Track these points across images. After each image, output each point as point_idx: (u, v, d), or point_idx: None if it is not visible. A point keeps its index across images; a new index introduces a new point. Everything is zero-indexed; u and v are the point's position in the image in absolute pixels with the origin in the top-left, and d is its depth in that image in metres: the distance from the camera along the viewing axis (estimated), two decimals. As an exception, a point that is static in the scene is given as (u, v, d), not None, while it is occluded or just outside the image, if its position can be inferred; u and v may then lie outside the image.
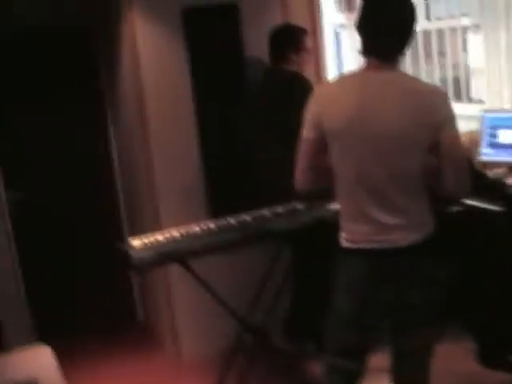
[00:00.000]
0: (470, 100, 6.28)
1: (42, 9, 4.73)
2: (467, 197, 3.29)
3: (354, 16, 5.49)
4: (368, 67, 2.64)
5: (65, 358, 3.46)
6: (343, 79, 2.85)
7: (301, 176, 2.77)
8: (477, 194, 3.88)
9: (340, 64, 6.75)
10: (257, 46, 4.46)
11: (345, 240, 2.73)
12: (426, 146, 2.57)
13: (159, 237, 3.47)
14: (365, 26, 2.64)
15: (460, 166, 2.62)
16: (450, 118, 2.59)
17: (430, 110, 2.56)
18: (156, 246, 3.38)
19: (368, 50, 2.63)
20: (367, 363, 2.87)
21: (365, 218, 2.64)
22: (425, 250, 2.65)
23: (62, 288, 5.23)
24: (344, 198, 2.73)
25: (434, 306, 2.72)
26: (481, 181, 4.15)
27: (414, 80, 2.81)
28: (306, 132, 2.72)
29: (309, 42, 4.35)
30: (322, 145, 2.69)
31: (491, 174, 4.87)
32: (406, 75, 2.84)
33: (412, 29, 2.64)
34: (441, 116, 2.57)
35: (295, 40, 4.21)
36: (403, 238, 2.62)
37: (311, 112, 2.71)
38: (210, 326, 4.46)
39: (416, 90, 2.63)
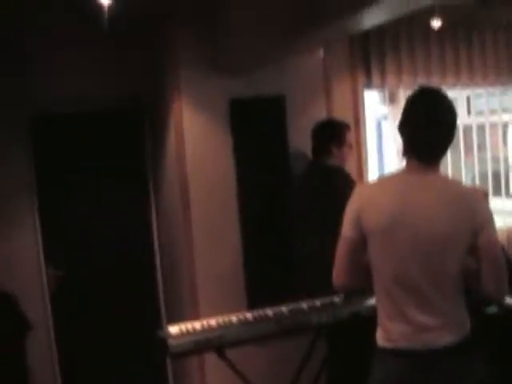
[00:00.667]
0: (509, 195, 6.29)
1: (96, 93, 4.88)
2: (506, 297, 3.26)
3: (397, 108, 5.63)
4: (409, 169, 2.68)
5: None
6: (385, 180, 2.88)
7: (339, 273, 2.76)
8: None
9: (381, 155, 6.82)
10: (300, 137, 4.56)
11: (381, 338, 2.72)
12: (465, 248, 2.59)
13: (197, 325, 3.49)
14: (407, 128, 2.67)
15: (498, 267, 2.62)
16: (489, 220, 2.62)
17: (471, 214, 2.58)
18: (193, 334, 3.40)
19: (410, 151, 2.66)
20: None
21: (402, 317, 2.63)
22: (461, 352, 2.63)
23: (98, 372, 5.20)
24: (382, 296, 2.72)
25: None
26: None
27: (455, 183, 2.83)
28: (346, 230, 2.72)
29: (350, 136, 4.42)
30: (360, 243, 2.70)
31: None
32: (446, 178, 2.89)
33: (454, 132, 2.68)
34: (480, 219, 2.59)
35: (338, 134, 4.28)
36: (440, 339, 2.61)
37: (352, 210, 2.71)
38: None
39: (457, 193, 2.66)
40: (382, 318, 2.73)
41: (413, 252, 2.58)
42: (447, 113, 2.66)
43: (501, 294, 2.70)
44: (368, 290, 2.87)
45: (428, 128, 2.62)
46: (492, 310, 3.86)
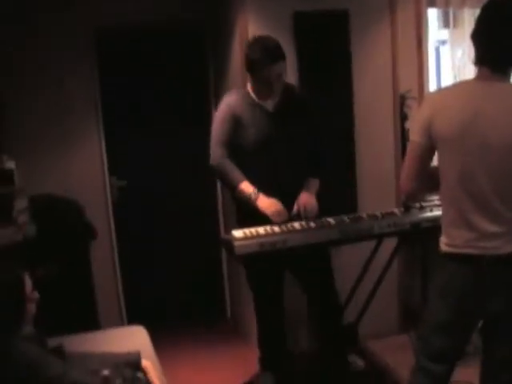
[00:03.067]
0: None
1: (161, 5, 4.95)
2: None
3: (457, 33, 5.54)
4: (481, 77, 2.68)
5: (154, 344, 3.57)
6: (457, 87, 2.85)
7: (407, 178, 2.81)
8: None
9: (439, 81, 6.71)
10: (364, 54, 4.57)
11: (444, 244, 2.77)
12: None
13: (260, 230, 3.57)
14: (481, 36, 2.67)
15: None
16: None
17: None
18: (257, 237, 3.48)
19: (482, 59, 2.67)
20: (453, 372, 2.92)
21: (466, 224, 2.68)
22: None
23: (157, 277, 5.41)
24: (447, 203, 2.76)
25: None
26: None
27: None
28: (416, 136, 2.76)
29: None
30: (429, 149, 2.74)
31: None
32: None
33: None
34: None
35: None
36: (503, 247, 2.65)
37: (422, 116, 2.74)
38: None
39: None
40: (446, 225, 2.77)
41: (481, 160, 2.61)
42: None
43: None
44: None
45: (501, 36, 2.61)
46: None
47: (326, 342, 4.29)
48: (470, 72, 7.18)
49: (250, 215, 3.74)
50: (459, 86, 2.84)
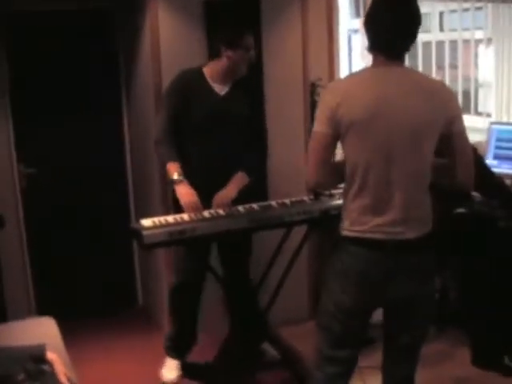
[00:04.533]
0: (477, 112, 6.37)
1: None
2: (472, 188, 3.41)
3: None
4: (377, 64, 2.72)
5: (65, 335, 3.50)
6: (357, 75, 2.87)
7: (312, 170, 2.78)
8: (483, 193, 4.02)
9: (351, 67, 6.80)
10: (275, 40, 4.57)
11: (347, 230, 2.77)
12: (436, 140, 2.69)
13: (169, 218, 3.55)
14: (374, 24, 2.72)
15: (470, 159, 2.76)
16: (460, 113, 2.76)
17: (444, 102, 2.69)
18: (166, 226, 3.46)
19: (376, 46, 2.71)
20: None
21: (372, 209, 2.70)
22: (424, 247, 2.75)
23: (67, 267, 5.30)
24: (354, 190, 2.75)
25: (432, 300, 2.88)
26: (489, 179, 4.26)
27: (424, 74, 2.94)
28: (320, 126, 2.73)
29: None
30: (334, 139, 2.74)
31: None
32: (415, 69, 2.96)
33: (417, 29, 2.72)
34: (453, 109, 2.72)
35: None
36: (406, 233, 2.70)
37: (326, 106, 2.71)
38: (209, 312, 4.50)
39: (429, 82, 2.77)
40: (351, 210, 2.76)
41: (386, 146, 2.64)
42: (411, 7, 2.71)
43: (472, 184, 2.82)
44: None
45: (393, 22, 2.66)
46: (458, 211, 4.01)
47: (239, 329, 4.30)
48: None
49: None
50: (359, 74, 2.86)
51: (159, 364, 4.32)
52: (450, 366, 4.13)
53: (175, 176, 3.75)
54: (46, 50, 4.99)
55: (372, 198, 2.70)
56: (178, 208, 3.78)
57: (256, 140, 4.06)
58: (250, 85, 4.10)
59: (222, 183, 3.84)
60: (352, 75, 2.92)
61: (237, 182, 3.88)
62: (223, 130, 3.89)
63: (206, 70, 3.94)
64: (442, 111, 2.67)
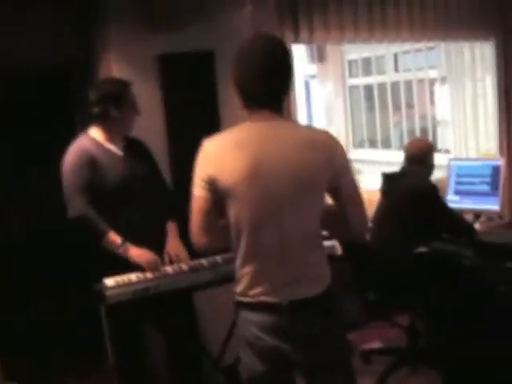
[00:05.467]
0: (436, 150, 6.43)
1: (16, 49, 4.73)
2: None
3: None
4: (254, 119, 2.59)
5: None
6: (232, 132, 2.65)
7: (197, 233, 2.66)
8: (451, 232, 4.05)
9: (310, 115, 6.88)
10: (231, 93, 4.57)
11: (240, 294, 2.68)
12: (324, 193, 2.62)
13: (132, 277, 3.51)
14: (240, 79, 2.60)
15: (362, 209, 2.68)
16: (347, 162, 2.65)
17: (329, 154, 2.57)
18: (129, 285, 3.43)
19: (247, 101, 2.61)
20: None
21: (262, 275, 2.60)
22: (323, 302, 2.65)
23: (31, 325, 5.21)
24: (241, 256, 2.65)
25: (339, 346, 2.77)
26: (456, 223, 4.30)
27: (307, 126, 2.84)
28: (199, 191, 2.60)
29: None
30: (215, 203, 2.60)
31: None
32: (295, 123, 2.91)
33: (288, 74, 2.62)
34: (339, 160, 2.60)
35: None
36: (299, 292, 2.61)
37: (204, 170, 2.58)
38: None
39: (311, 134, 2.65)
40: (241, 275, 2.67)
41: (266, 209, 2.54)
42: (283, 56, 2.60)
43: (364, 233, 2.84)
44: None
45: (263, 74, 2.55)
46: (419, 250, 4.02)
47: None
48: (338, 104, 7.46)
49: (119, 260, 3.61)
50: (234, 132, 2.65)
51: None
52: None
53: (119, 241, 3.59)
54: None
55: (260, 262, 2.59)
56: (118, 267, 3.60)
57: (165, 196, 3.99)
58: (139, 144, 3.97)
59: (154, 242, 3.73)
60: (226, 133, 2.66)
61: (174, 232, 3.85)
62: (136, 190, 3.74)
63: (95, 134, 3.77)
64: (327, 163, 2.56)
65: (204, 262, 3.69)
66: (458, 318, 3.30)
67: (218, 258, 3.72)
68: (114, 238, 3.59)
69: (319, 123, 7.48)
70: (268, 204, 2.53)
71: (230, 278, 3.60)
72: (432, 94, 6.66)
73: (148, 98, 4.39)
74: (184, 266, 3.64)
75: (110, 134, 3.74)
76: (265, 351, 2.64)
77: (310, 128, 2.84)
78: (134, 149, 3.85)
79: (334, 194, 2.63)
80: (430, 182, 4.52)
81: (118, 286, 3.42)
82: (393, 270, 3.98)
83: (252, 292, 2.62)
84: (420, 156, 4.54)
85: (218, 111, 4.58)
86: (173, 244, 3.80)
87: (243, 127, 2.62)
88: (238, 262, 2.67)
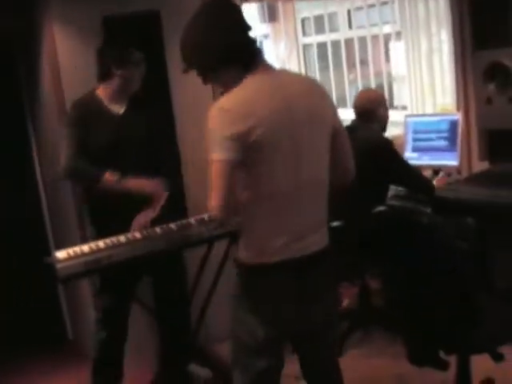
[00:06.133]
0: (393, 107, 6.39)
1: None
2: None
3: (277, 26, 5.58)
4: (253, 73, 2.51)
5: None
6: (244, 89, 2.51)
7: (223, 204, 2.42)
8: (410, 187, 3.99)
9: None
10: (178, 55, 4.44)
11: (256, 256, 2.57)
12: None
13: (84, 248, 3.40)
14: (231, 35, 2.52)
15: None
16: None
17: (331, 102, 2.67)
18: (81, 256, 3.32)
19: (243, 57, 2.53)
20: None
21: (282, 229, 2.54)
22: (328, 256, 2.65)
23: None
24: (261, 213, 2.54)
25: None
26: (414, 178, 4.24)
27: (298, 73, 2.84)
28: (225, 154, 2.40)
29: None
30: (241, 165, 2.45)
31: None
32: (289, 71, 2.93)
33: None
34: (332, 103, 2.70)
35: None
36: (313, 246, 2.59)
37: (227, 129, 2.41)
38: (143, 344, 4.37)
39: (314, 83, 2.70)
40: (258, 236, 2.57)
41: (296, 153, 2.49)
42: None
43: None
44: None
45: (246, 27, 2.55)
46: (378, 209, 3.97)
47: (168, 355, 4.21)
48: (292, 63, 7.37)
49: (106, 212, 3.71)
50: (249, 89, 2.51)
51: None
52: (386, 363, 4.14)
53: (116, 177, 3.63)
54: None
55: (281, 216, 2.53)
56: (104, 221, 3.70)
57: (162, 156, 3.96)
58: (149, 103, 3.98)
59: (139, 207, 3.72)
60: (238, 91, 2.49)
61: (155, 205, 3.77)
62: (129, 150, 3.78)
63: (100, 93, 3.84)
64: (331, 111, 2.62)
65: (158, 229, 3.59)
66: (414, 277, 3.24)
67: (173, 226, 3.62)
68: (110, 176, 3.63)
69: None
70: (293, 153, 2.48)
71: (185, 245, 3.58)
72: (387, 50, 6.59)
73: (94, 62, 4.23)
74: (137, 235, 3.53)
75: (113, 94, 3.81)
76: (276, 316, 2.58)
77: (301, 75, 2.78)
78: (140, 109, 3.89)
79: (333, 140, 2.61)
80: (383, 136, 4.40)
81: (70, 258, 3.31)
82: (354, 230, 3.91)
83: (271, 249, 2.54)
84: (370, 107, 4.38)
85: (166, 73, 4.45)
86: (144, 212, 3.72)
87: (252, 82, 2.51)
88: (257, 222, 2.55)
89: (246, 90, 2.49)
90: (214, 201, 2.41)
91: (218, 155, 2.40)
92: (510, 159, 5.04)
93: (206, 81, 2.63)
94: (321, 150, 2.57)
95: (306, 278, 2.58)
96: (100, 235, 3.62)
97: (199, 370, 4.28)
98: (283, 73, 2.67)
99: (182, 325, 4.14)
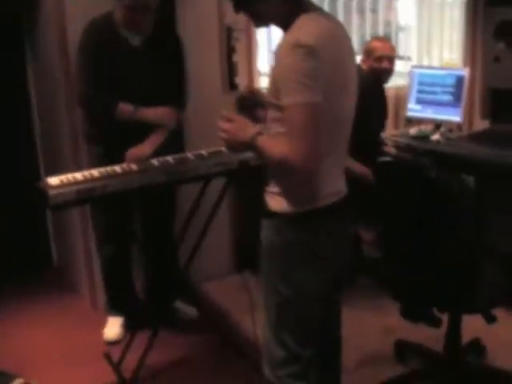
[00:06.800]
0: (398, 57, 6.26)
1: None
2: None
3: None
4: (307, 11, 2.33)
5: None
6: (324, 24, 2.30)
7: (317, 156, 2.21)
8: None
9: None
10: None
11: (319, 199, 2.39)
12: None
13: (78, 176, 3.31)
14: None
15: None
16: None
17: None
18: (75, 184, 3.21)
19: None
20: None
21: (338, 172, 2.48)
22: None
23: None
24: (328, 152, 2.33)
25: None
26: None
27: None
28: (317, 96, 2.17)
29: None
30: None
31: (417, 130, 4.91)
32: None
33: None
34: None
35: None
36: (345, 187, 2.54)
37: (314, 67, 2.16)
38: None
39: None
40: (319, 180, 2.34)
41: (344, 100, 2.38)
42: None
43: None
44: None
45: None
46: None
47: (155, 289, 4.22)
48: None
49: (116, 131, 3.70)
50: (325, 25, 2.30)
51: (77, 326, 4.21)
52: (374, 316, 4.14)
53: (131, 107, 3.66)
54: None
55: (338, 159, 2.45)
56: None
57: (174, 89, 3.90)
58: (167, 32, 3.90)
59: (142, 138, 3.72)
60: (319, 23, 2.29)
61: (154, 140, 3.75)
62: (141, 82, 3.73)
63: (117, 17, 3.68)
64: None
65: (155, 161, 3.50)
66: (415, 232, 3.18)
67: (170, 159, 3.53)
68: (126, 106, 3.66)
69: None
70: (345, 96, 2.37)
71: (181, 179, 3.50)
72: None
73: None
74: (134, 166, 3.44)
75: (129, 22, 3.65)
76: (336, 262, 2.50)
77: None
78: (161, 41, 3.79)
79: None
80: (374, 79, 4.40)
81: (62, 185, 3.20)
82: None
83: (328, 192, 2.42)
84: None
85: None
86: (141, 146, 3.69)
87: (319, 19, 2.31)
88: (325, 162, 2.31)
89: (320, 28, 2.26)
90: (302, 151, 2.16)
91: (309, 98, 2.16)
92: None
93: (255, 21, 2.48)
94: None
95: (347, 221, 2.54)
96: (108, 154, 3.64)
97: (186, 308, 4.25)
98: (329, 14, 2.49)
99: (170, 261, 4.11)
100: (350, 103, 2.42)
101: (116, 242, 4.07)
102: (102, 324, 4.20)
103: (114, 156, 3.53)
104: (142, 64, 3.73)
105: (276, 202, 2.42)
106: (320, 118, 2.18)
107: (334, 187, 2.44)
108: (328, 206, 2.40)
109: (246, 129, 2.38)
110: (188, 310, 4.27)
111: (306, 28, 2.24)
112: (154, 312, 4.01)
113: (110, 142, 3.80)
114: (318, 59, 2.15)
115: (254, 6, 2.38)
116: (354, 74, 2.44)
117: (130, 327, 4.08)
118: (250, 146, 2.35)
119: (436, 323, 3.12)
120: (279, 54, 2.24)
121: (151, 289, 4.26)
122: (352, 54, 2.45)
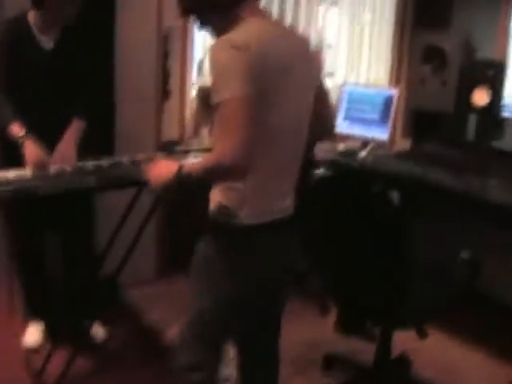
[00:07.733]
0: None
1: None
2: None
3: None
4: (255, 15, 2.35)
5: None
6: (252, 28, 2.29)
7: (244, 149, 2.12)
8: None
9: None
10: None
11: (251, 216, 2.37)
12: None
13: (10, 175, 3.18)
14: None
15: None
16: None
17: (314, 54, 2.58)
18: (6, 184, 3.08)
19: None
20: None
21: (277, 187, 2.43)
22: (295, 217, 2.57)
23: None
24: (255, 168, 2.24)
25: None
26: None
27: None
28: (246, 88, 2.13)
29: None
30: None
31: (344, 146, 4.97)
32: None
33: None
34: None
35: None
36: (290, 206, 2.52)
37: (242, 62, 2.15)
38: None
39: (302, 37, 2.59)
40: (253, 195, 2.35)
41: (300, 97, 2.39)
42: None
43: None
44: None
45: None
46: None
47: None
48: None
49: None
50: (256, 28, 2.30)
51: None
52: (299, 329, 4.12)
53: (21, 133, 3.42)
54: None
55: (277, 174, 2.40)
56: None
57: (86, 95, 3.74)
58: (85, 33, 3.74)
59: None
60: (248, 28, 2.28)
61: (71, 135, 3.61)
62: (54, 88, 3.60)
63: (31, 19, 3.55)
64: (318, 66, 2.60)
65: (89, 165, 3.41)
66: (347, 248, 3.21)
67: (104, 163, 3.45)
68: (17, 128, 3.44)
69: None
70: (298, 97, 2.37)
71: (115, 185, 3.42)
72: (322, 16, 6.49)
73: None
74: (67, 168, 3.35)
75: (44, 24, 3.52)
76: (259, 281, 2.49)
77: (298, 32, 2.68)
78: (71, 42, 3.63)
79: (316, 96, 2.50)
80: None
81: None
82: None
83: (268, 209, 2.40)
84: None
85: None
86: (65, 143, 3.56)
87: (259, 23, 2.33)
88: (258, 176, 2.29)
89: (253, 30, 2.27)
90: (228, 146, 2.11)
91: (237, 92, 2.12)
92: (432, 140, 5.09)
93: (200, 25, 2.45)
94: (309, 103, 2.47)
95: (286, 240, 2.54)
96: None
97: (98, 330, 4.11)
98: (278, 23, 2.64)
99: (88, 279, 4.00)
100: (297, 114, 2.40)
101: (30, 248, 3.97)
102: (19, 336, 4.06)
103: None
104: (55, 69, 3.60)
105: (212, 211, 2.43)
106: (249, 112, 2.12)
107: (269, 205, 2.42)
108: (258, 224, 2.39)
109: (169, 164, 2.41)
110: (99, 332, 4.12)
111: (239, 30, 2.26)
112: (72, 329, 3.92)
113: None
114: (247, 58, 2.14)
115: (209, 16, 2.38)
116: (305, 81, 2.41)
117: (50, 335, 3.98)
118: (180, 177, 2.31)
119: (369, 338, 3.15)
120: (211, 56, 2.23)
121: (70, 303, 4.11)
122: (304, 61, 2.42)
